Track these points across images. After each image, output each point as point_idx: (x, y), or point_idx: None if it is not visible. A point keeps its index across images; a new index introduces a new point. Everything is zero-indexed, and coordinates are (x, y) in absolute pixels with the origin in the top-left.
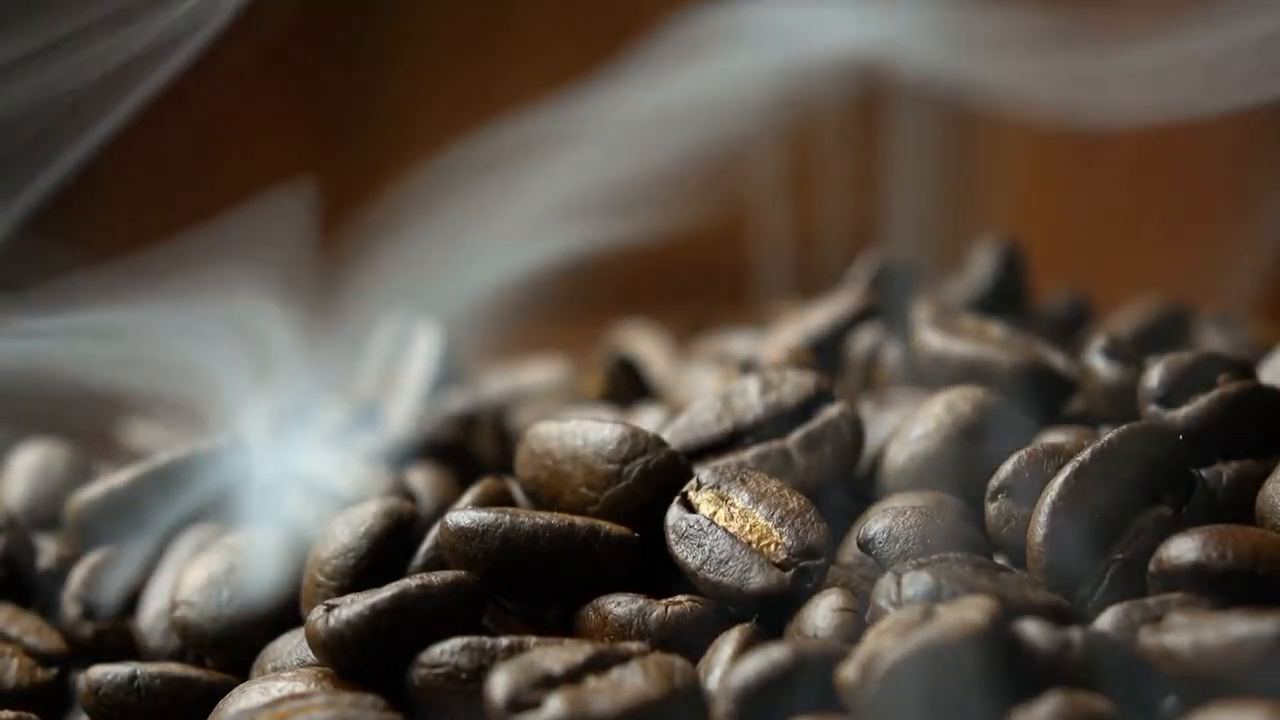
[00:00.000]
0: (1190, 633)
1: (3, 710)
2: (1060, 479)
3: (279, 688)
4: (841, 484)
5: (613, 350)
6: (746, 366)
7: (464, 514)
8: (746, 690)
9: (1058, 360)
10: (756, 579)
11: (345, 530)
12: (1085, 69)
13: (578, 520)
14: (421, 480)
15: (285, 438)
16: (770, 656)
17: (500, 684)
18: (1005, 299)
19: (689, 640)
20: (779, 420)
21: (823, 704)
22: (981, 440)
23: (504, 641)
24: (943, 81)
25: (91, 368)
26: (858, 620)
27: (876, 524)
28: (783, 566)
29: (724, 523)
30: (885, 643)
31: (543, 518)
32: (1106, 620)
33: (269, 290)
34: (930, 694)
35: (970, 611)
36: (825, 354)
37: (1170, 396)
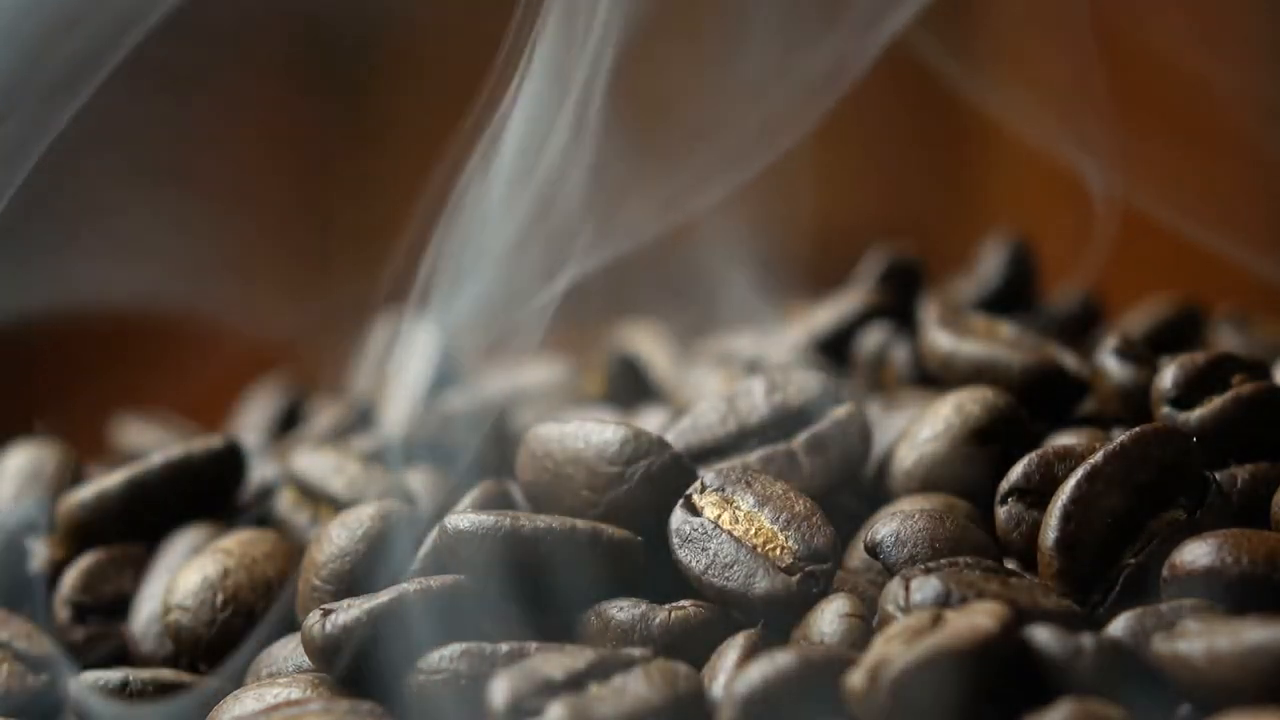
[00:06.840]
0: (1204, 639)
1: None
2: (1072, 482)
3: (274, 694)
4: (848, 487)
5: (613, 349)
6: (752, 366)
7: (463, 517)
8: (752, 697)
9: (1069, 361)
10: (762, 584)
11: (342, 533)
12: None
13: (579, 523)
14: (420, 482)
15: (280, 438)
16: (776, 663)
17: (501, 690)
18: (1015, 298)
19: (693, 646)
20: (785, 422)
21: (829, 712)
22: (991, 442)
23: (504, 647)
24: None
25: None
26: (865, 626)
27: (884, 528)
28: (789, 571)
29: (729, 526)
30: (893, 649)
31: (544, 521)
32: (1119, 626)
33: None
34: (939, 702)
35: (980, 617)
36: (832, 354)
37: (1184, 398)
